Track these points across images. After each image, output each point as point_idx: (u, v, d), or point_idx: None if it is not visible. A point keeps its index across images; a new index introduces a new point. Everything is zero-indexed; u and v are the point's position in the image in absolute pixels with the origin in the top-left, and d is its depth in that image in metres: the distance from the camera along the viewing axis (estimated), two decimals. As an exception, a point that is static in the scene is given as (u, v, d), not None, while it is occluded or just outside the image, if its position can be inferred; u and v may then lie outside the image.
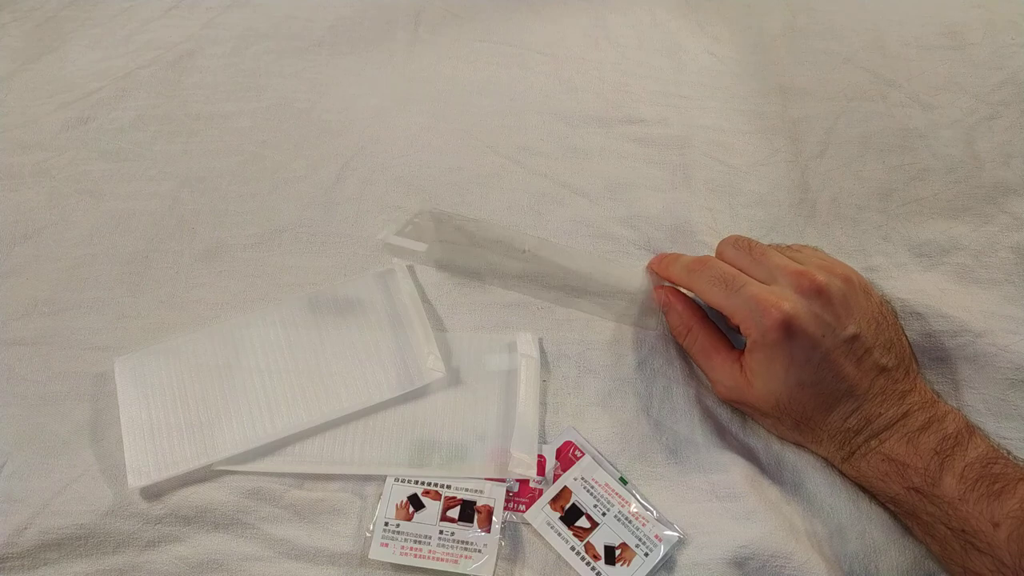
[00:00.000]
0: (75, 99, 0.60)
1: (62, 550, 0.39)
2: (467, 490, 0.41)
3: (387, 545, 0.39)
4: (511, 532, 0.40)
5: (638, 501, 0.40)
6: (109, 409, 0.43)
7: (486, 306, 0.48)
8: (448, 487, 0.41)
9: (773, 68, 0.62)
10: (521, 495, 0.41)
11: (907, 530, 0.40)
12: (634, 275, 0.49)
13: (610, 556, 0.39)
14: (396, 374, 0.44)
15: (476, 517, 0.40)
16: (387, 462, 0.42)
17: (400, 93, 0.61)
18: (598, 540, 0.39)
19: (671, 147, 0.57)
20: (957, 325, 0.45)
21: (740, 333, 0.41)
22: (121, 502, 0.40)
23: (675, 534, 0.39)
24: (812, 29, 0.64)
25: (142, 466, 0.40)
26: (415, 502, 0.40)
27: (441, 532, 0.39)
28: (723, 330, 0.44)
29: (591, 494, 0.41)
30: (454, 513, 0.40)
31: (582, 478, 0.41)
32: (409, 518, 0.40)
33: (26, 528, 0.39)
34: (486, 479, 0.41)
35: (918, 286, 0.48)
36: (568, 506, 0.40)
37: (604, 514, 0.40)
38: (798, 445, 0.43)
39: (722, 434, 0.44)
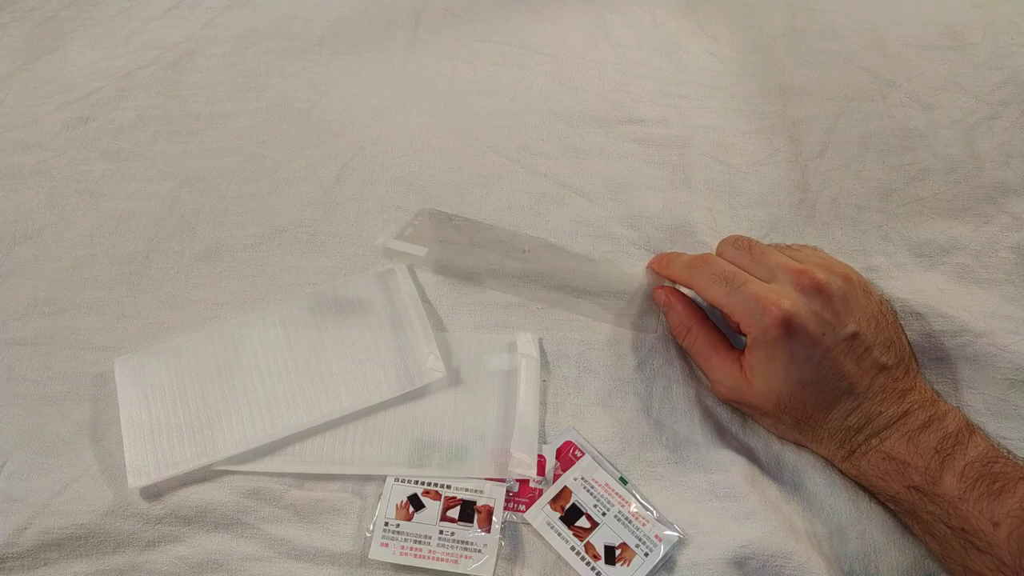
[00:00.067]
0: (75, 99, 0.60)
1: (62, 550, 0.39)
2: (467, 490, 0.41)
3: (387, 545, 0.39)
4: (511, 532, 0.40)
5: (638, 501, 0.40)
6: (109, 409, 0.43)
7: (486, 306, 0.48)
8: (448, 487, 0.41)
9: (773, 68, 0.62)
10: (521, 495, 0.41)
11: (907, 529, 0.40)
12: (634, 275, 0.49)
13: (610, 556, 0.39)
14: (396, 374, 0.44)
15: (476, 517, 0.40)
16: (387, 462, 0.42)
17: (400, 93, 0.61)
18: (598, 540, 0.39)
19: (671, 147, 0.57)
20: (957, 325, 0.45)
21: (740, 332, 0.41)
22: (121, 502, 0.40)
23: (675, 534, 0.39)
24: (812, 29, 0.64)
25: (142, 466, 0.40)
26: (415, 502, 0.40)
27: (441, 532, 0.39)
28: (723, 330, 0.44)
29: (591, 494, 0.41)
30: (454, 513, 0.40)
31: (582, 478, 0.41)
32: (409, 518, 0.40)
33: (26, 528, 0.39)
34: (486, 479, 0.41)
35: (918, 286, 0.48)
36: (568, 506, 0.40)
37: (604, 514, 0.40)
38: (798, 444, 0.43)
39: (722, 434, 0.44)
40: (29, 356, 0.46)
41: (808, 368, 0.39)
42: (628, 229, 0.52)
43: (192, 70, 0.62)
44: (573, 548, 0.39)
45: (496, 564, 0.38)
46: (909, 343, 0.42)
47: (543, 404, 0.44)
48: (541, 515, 0.40)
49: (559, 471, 0.42)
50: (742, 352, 0.42)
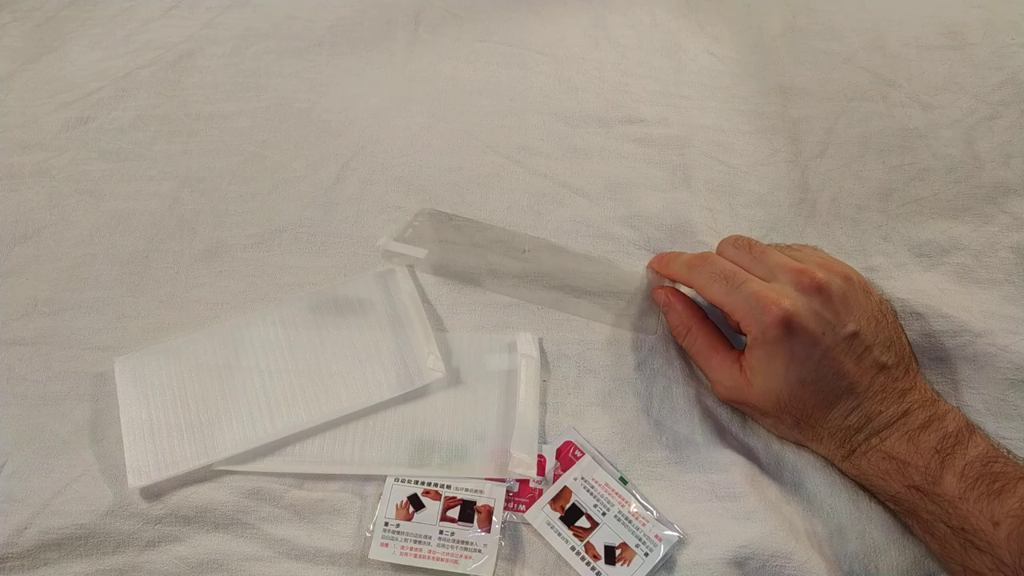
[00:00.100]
0: (75, 99, 0.60)
1: (62, 550, 0.39)
2: (467, 490, 0.41)
3: (387, 545, 0.39)
4: (511, 532, 0.40)
5: (638, 501, 0.40)
6: (109, 409, 0.43)
7: (486, 306, 0.48)
8: (448, 487, 0.41)
9: (773, 68, 0.62)
10: (521, 495, 0.41)
11: (907, 529, 0.40)
12: (634, 275, 0.49)
13: (610, 556, 0.39)
14: (396, 374, 0.44)
15: (476, 517, 0.40)
16: (387, 462, 0.42)
17: (400, 93, 0.61)
18: (598, 540, 0.39)
19: (671, 147, 0.57)
20: (957, 325, 0.45)
21: (740, 331, 0.41)
22: (121, 502, 0.40)
23: (675, 534, 0.39)
24: (812, 29, 0.64)
25: (142, 466, 0.40)
26: (415, 502, 0.40)
27: (441, 532, 0.39)
28: (723, 331, 0.44)
29: (591, 494, 0.41)
30: (454, 513, 0.40)
31: (582, 478, 0.41)
32: (409, 518, 0.40)
33: (26, 528, 0.39)
34: (486, 479, 0.41)
35: (918, 286, 0.48)
36: (568, 506, 0.40)
37: (604, 514, 0.40)
38: (798, 444, 0.43)
39: (722, 434, 0.44)
40: (29, 356, 0.46)
41: (808, 367, 0.39)
42: (628, 229, 0.52)
43: (192, 70, 0.62)
44: (573, 548, 0.39)
45: (496, 564, 0.38)
46: (909, 343, 0.42)
47: (543, 404, 0.44)
48: (541, 515, 0.40)
49: (559, 471, 0.42)
50: (742, 352, 0.42)
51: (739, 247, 0.43)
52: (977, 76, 0.59)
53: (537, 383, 0.44)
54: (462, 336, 0.47)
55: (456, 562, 0.38)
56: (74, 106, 0.59)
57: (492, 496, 0.40)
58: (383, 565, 0.39)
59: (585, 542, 0.39)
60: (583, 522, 0.40)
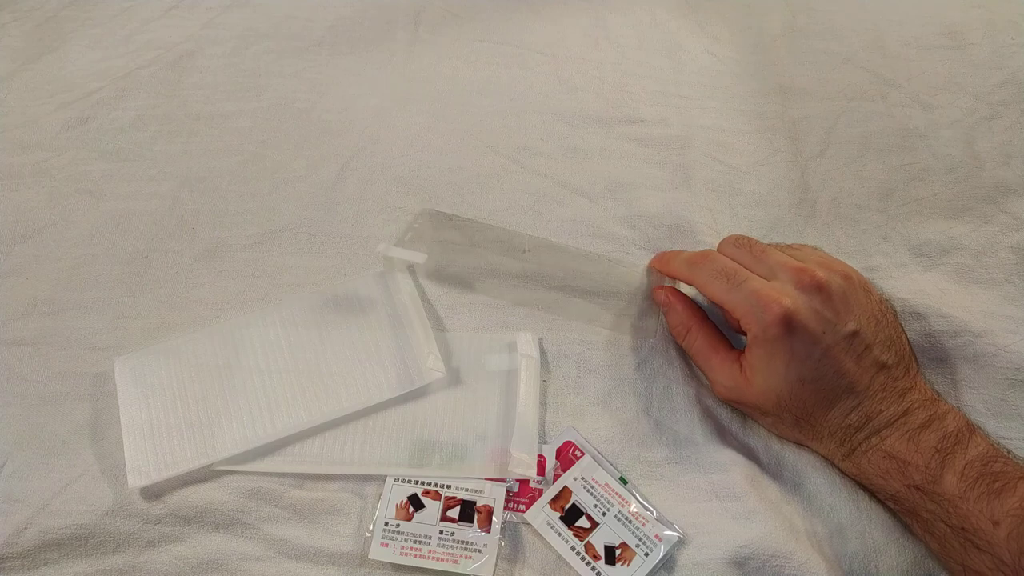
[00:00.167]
0: (75, 99, 0.60)
1: (62, 550, 0.39)
2: (467, 490, 0.41)
3: (387, 545, 0.39)
4: (511, 532, 0.40)
5: (638, 501, 0.40)
6: (109, 409, 0.43)
7: (486, 306, 0.48)
8: (448, 487, 0.41)
9: (773, 68, 0.62)
10: (521, 495, 0.41)
11: (907, 528, 0.40)
12: (634, 274, 0.49)
13: (610, 556, 0.39)
14: (396, 374, 0.44)
15: (476, 517, 0.40)
16: (387, 462, 0.42)
17: (400, 93, 0.61)
18: (598, 540, 0.39)
19: (671, 147, 0.57)
20: (957, 325, 0.45)
21: (740, 330, 0.41)
22: (121, 502, 0.40)
23: (675, 534, 0.39)
24: (812, 29, 0.64)
25: (142, 466, 0.40)
26: (415, 502, 0.40)
27: (441, 532, 0.39)
28: (723, 331, 0.44)
29: (591, 494, 0.41)
30: (454, 513, 0.40)
31: (582, 478, 0.41)
32: (409, 518, 0.40)
33: (26, 528, 0.39)
34: (486, 479, 0.41)
35: (918, 286, 0.48)
36: (568, 506, 0.40)
37: (604, 514, 0.40)
38: (798, 444, 0.43)
39: (722, 434, 0.44)
40: (29, 356, 0.46)
41: (808, 366, 0.39)
42: (628, 229, 0.52)
43: (192, 70, 0.62)
44: (573, 548, 0.39)
45: (496, 564, 0.38)
46: (909, 342, 0.42)
47: (543, 404, 0.44)
48: (541, 515, 0.40)
49: (559, 471, 0.42)
50: (742, 352, 0.42)
51: (740, 246, 0.43)
52: (977, 76, 0.59)
53: (537, 383, 0.44)
54: (462, 336, 0.47)
55: (456, 562, 0.38)
56: (74, 106, 0.59)
57: (492, 496, 0.40)
58: (383, 565, 0.39)
59: (585, 542, 0.39)
60: (583, 522, 0.40)
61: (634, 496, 0.41)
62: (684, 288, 0.47)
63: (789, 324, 0.38)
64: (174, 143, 0.57)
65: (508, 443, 0.42)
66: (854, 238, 0.51)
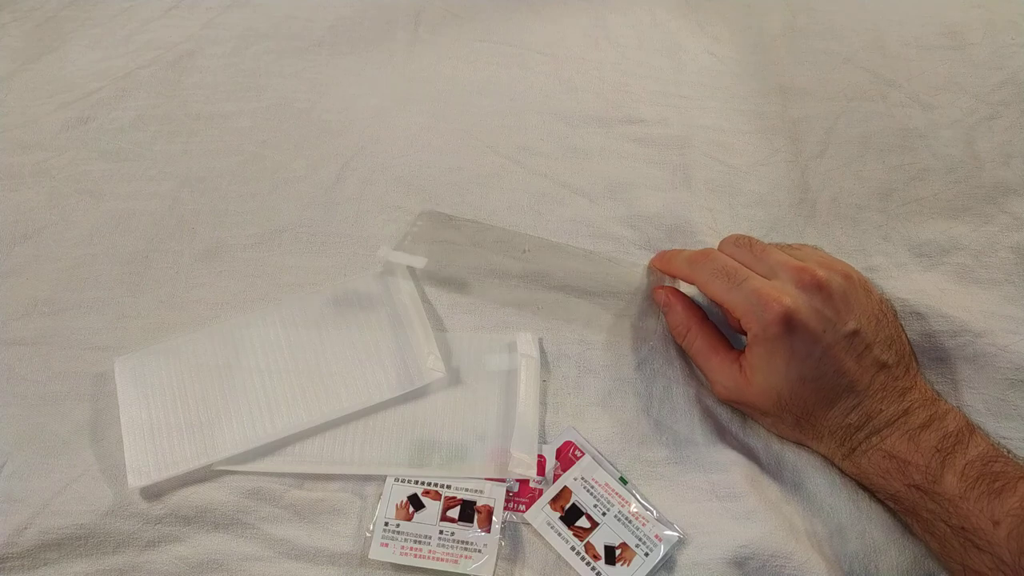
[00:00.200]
0: (75, 99, 0.60)
1: (62, 550, 0.39)
2: (467, 490, 0.41)
3: (387, 545, 0.39)
4: (511, 532, 0.40)
5: (638, 501, 0.40)
6: (109, 409, 0.43)
7: (486, 306, 0.48)
8: (448, 487, 0.41)
9: (773, 68, 0.62)
10: (521, 495, 0.41)
11: (907, 528, 0.40)
12: (634, 273, 0.49)
13: (610, 556, 0.39)
14: (396, 374, 0.44)
15: (476, 517, 0.40)
16: (387, 462, 0.42)
17: (400, 93, 0.61)
18: (598, 540, 0.39)
19: (671, 147, 0.57)
20: (957, 325, 0.45)
21: (740, 330, 0.41)
22: (121, 502, 0.40)
23: (675, 534, 0.39)
24: (812, 29, 0.64)
25: (142, 466, 0.40)
26: (415, 502, 0.40)
27: (441, 532, 0.39)
28: (723, 331, 0.44)
29: (591, 494, 0.41)
30: (454, 513, 0.40)
31: (582, 478, 0.41)
32: (409, 518, 0.40)
33: (26, 528, 0.39)
34: (486, 479, 0.41)
35: (918, 286, 0.48)
36: (568, 506, 0.40)
37: (604, 514, 0.40)
38: (798, 444, 0.43)
39: (722, 434, 0.44)
40: (29, 356, 0.46)
41: (809, 365, 0.39)
42: (628, 229, 0.52)
43: (192, 70, 0.62)
44: (573, 548, 0.39)
45: (496, 564, 0.38)
46: (909, 342, 0.42)
47: (543, 404, 0.44)
48: (541, 515, 0.40)
49: (559, 471, 0.42)
50: (741, 352, 0.42)
51: (740, 245, 0.43)
52: (977, 76, 0.59)
53: (537, 383, 0.44)
54: (462, 336, 0.47)
55: (456, 562, 0.38)
56: (74, 106, 0.59)
57: (492, 496, 0.40)
58: (383, 565, 0.39)
59: (585, 542, 0.39)
60: (583, 522, 0.40)
61: (634, 496, 0.41)
62: (685, 287, 0.47)
63: (789, 323, 0.38)
64: (174, 143, 0.57)
65: (508, 443, 0.42)
66: (854, 238, 0.51)
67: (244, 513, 0.40)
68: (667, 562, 0.38)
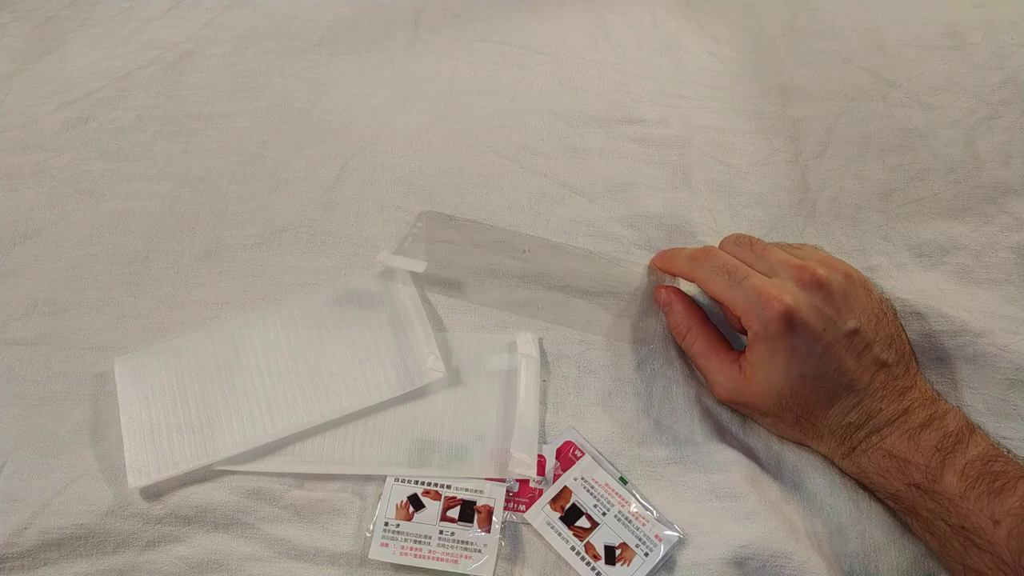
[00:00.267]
0: (75, 99, 0.60)
1: (62, 550, 0.39)
2: (467, 490, 0.41)
3: (387, 545, 0.39)
4: (511, 532, 0.40)
5: (638, 501, 0.40)
6: (109, 409, 0.43)
7: (486, 306, 0.48)
8: (448, 487, 0.41)
9: (773, 68, 0.62)
10: (521, 495, 0.41)
11: (907, 528, 0.40)
12: (635, 273, 0.49)
13: (610, 556, 0.39)
14: (396, 374, 0.44)
15: (476, 517, 0.40)
16: (387, 462, 0.42)
17: (400, 93, 0.61)
18: (598, 540, 0.39)
19: (671, 147, 0.57)
20: (957, 325, 0.45)
21: (740, 329, 0.41)
22: (121, 502, 0.40)
23: (675, 534, 0.39)
24: (812, 29, 0.64)
25: (142, 466, 0.40)
26: (415, 502, 0.40)
27: (441, 532, 0.39)
28: (723, 332, 0.44)
29: (591, 494, 0.41)
30: (454, 513, 0.40)
31: (582, 478, 0.41)
32: (409, 518, 0.40)
33: (26, 528, 0.39)
34: (486, 479, 0.41)
35: (918, 286, 0.48)
36: (568, 506, 0.40)
37: (604, 514, 0.40)
38: (798, 443, 0.43)
39: (722, 434, 0.44)
40: (29, 356, 0.46)
41: (809, 363, 0.39)
42: (628, 229, 0.52)
43: (192, 70, 0.62)
44: (573, 548, 0.39)
45: (496, 564, 0.38)
46: (909, 342, 0.42)
47: (543, 404, 0.44)
48: (541, 515, 0.40)
49: (559, 471, 0.42)
50: (741, 353, 0.42)
51: (741, 244, 0.43)
52: (977, 76, 0.59)
53: (537, 383, 0.44)
54: (462, 336, 0.47)
55: (456, 562, 0.38)
56: (74, 106, 0.59)
57: (492, 496, 0.40)
58: (383, 565, 0.39)
59: (585, 542, 0.39)
60: (583, 522, 0.40)
61: (634, 496, 0.41)
62: (686, 287, 0.47)
63: (790, 321, 0.38)
64: (174, 143, 0.57)
65: (508, 443, 0.42)
66: (854, 238, 0.51)
67: (244, 513, 0.40)
68: (667, 562, 0.38)
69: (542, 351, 0.46)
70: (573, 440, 0.43)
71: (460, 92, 0.61)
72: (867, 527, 0.40)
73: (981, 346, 0.45)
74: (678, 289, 0.46)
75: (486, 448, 0.42)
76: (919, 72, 0.60)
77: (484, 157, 0.56)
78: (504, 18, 0.67)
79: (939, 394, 0.41)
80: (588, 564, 0.38)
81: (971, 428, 0.39)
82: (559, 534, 0.39)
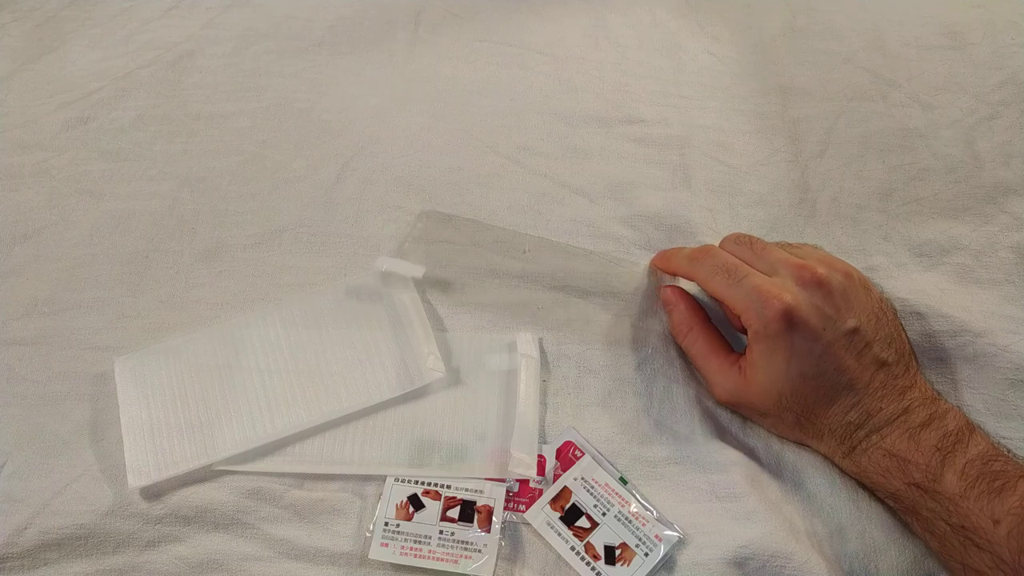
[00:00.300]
0: (75, 99, 0.60)
1: (62, 550, 0.39)
2: (467, 490, 0.41)
3: (387, 545, 0.39)
4: (511, 532, 0.40)
5: (638, 501, 0.40)
6: (109, 409, 0.43)
7: (486, 306, 0.48)
8: (448, 487, 0.41)
9: (773, 68, 0.62)
10: (521, 495, 0.41)
11: (906, 527, 0.40)
12: (634, 274, 0.49)
13: (610, 556, 0.39)
14: (396, 374, 0.44)
15: (476, 517, 0.40)
16: (387, 462, 0.42)
17: (400, 93, 0.61)
18: (598, 540, 0.39)
19: (671, 147, 0.57)
20: (957, 325, 0.45)
21: (740, 328, 0.41)
22: (121, 502, 0.40)
23: (675, 534, 0.39)
24: (812, 29, 0.64)
25: (142, 466, 0.40)
26: (415, 502, 0.40)
27: (441, 532, 0.39)
28: (724, 333, 0.44)
29: (591, 494, 0.41)
30: (454, 513, 0.40)
31: (582, 478, 0.41)
32: (409, 518, 0.40)
33: (26, 528, 0.39)
34: (486, 479, 0.41)
35: (918, 286, 0.48)
36: (568, 506, 0.40)
37: (604, 514, 0.40)
38: (799, 443, 0.43)
39: (722, 434, 0.44)
40: (29, 356, 0.46)
41: (809, 362, 0.39)
42: (628, 229, 0.52)
43: (192, 70, 0.62)
44: (573, 548, 0.39)
45: (496, 564, 0.38)
46: (909, 341, 0.42)
47: (543, 404, 0.44)
48: (541, 515, 0.40)
49: (559, 471, 0.42)
50: (741, 355, 0.42)
51: (741, 243, 0.43)
52: (977, 76, 0.59)
53: (537, 383, 0.44)
54: (462, 336, 0.47)
55: (456, 562, 0.38)
56: (74, 106, 0.59)
57: (492, 496, 0.40)
58: (383, 565, 0.39)
59: (585, 542, 0.39)
60: (583, 522, 0.40)
61: (634, 496, 0.41)
62: (686, 286, 0.47)
63: (790, 320, 0.38)
64: (174, 143, 0.57)
65: (508, 443, 0.42)
66: (854, 238, 0.51)
67: (244, 513, 0.40)
68: (667, 562, 0.38)
69: (542, 351, 0.46)
70: (573, 440, 0.43)
71: (460, 92, 0.61)
72: (867, 527, 0.40)
73: (981, 346, 0.45)
74: (683, 289, 0.46)
75: (486, 448, 0.42)
76: (919, 72, 0.60)
77: (484, 157, 0.56)
78: (504, 18, 0.67)
79: (939, 394, 0.41)
80: (588, 564, 0.38)
81: (971, 427, 0.39)
82: (559, 534, 0.39)
